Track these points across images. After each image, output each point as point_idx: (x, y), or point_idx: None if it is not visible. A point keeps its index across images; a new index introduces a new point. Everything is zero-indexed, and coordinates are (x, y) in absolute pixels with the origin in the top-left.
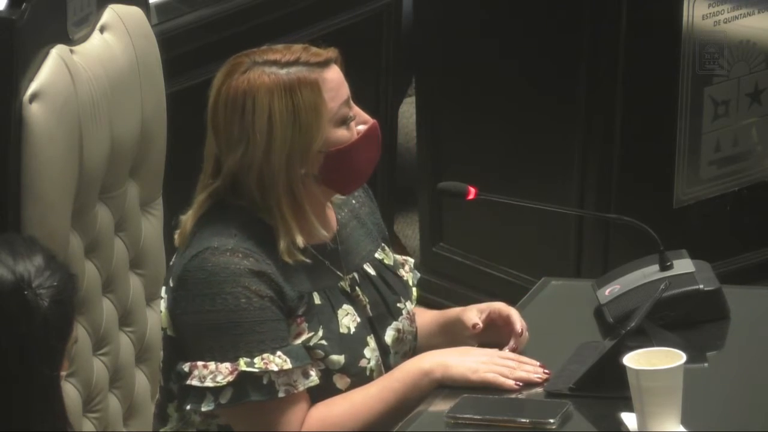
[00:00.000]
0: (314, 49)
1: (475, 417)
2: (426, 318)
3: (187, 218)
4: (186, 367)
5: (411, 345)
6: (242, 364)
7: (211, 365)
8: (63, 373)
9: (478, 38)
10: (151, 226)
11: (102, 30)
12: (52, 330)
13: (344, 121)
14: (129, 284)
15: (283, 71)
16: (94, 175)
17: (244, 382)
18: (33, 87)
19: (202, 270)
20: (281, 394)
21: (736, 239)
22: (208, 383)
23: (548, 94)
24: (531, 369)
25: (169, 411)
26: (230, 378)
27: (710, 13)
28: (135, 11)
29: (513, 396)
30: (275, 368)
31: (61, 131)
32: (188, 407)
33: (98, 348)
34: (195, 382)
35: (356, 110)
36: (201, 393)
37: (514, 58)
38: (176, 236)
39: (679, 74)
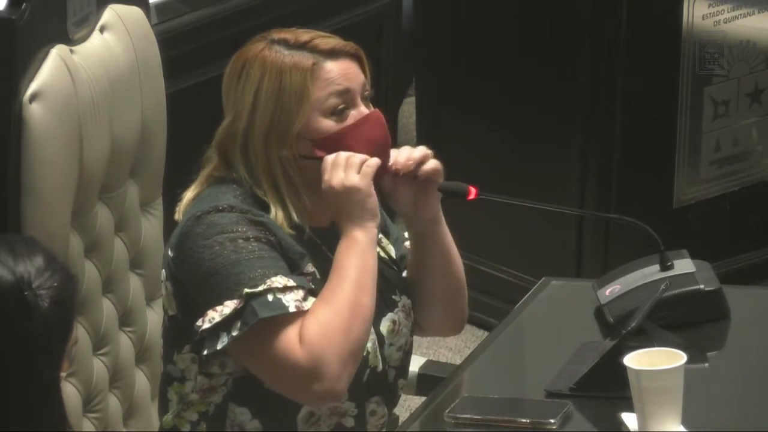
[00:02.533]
0: (330, 39)
1: (475, 417)
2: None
3: (189, 191)
4: (198, 322)
5: (407, 339)
6: (245, 291)
7: (219, 307)
8: (63, 374)
9: (478, 38)
10: (151, 226)
11: (102, 30)
12: (52, 331)
13: (333, 112)
14: (129, 284)
15: (286, 52)
16: (94, 175)
17: (250, 304)
18: (33, 87)
19: (200, 225)
20: (292, 309)
21: (736, 239)
22: (217, 319)
23: (548, 94)
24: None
25: (169, 395)
26: (237, 306)
27: (710, 13)
28: (135, 11)
29: (513, 396)
30: (279, 285)
31: (61, 131)
32: (205, 353)
33: (98, 348)
34: (206, 326)
35: (360, 108)
36: (214, 333)
37: (514, 58)
38: (177, 209)
39: (679, 74)
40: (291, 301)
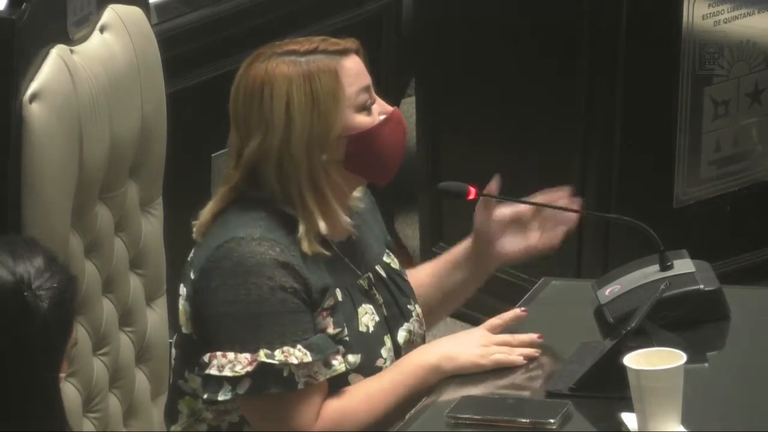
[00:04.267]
0: (333, 40)
1: (475, 417)
2: (425, 270)
3: (207, 210)
4: (206, 357)
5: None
6: (262, 355)
7: (231, 355)
8: (62, 375)
9: (478, 38)
10: (151, 226)
11: (102, 30)
12: (51, 331)
13: (364, 107)
14: (129, 284)
15: (303, 59)
16: (94, 174)
17: (263, 373)
18: (33, 87)
19: (228, 259)
20: (301, 386)
21: (736, 239)
22: (227, 372)
23: (548, 94)
24: (526, 339)
25: (179, 407)
26: (249, 368)
27: (710, 13)
28: (135, 11)
29: (513, 396)
30: (295, 361)
31: (61, 131)
32: (205, 396)
33: (98, 348)
34: (213, 371)
35: (379, 100)
36: (218, 382)
37: (513, 57)
38: (195, 228)
39: (679, 74)
40: (302, 377)
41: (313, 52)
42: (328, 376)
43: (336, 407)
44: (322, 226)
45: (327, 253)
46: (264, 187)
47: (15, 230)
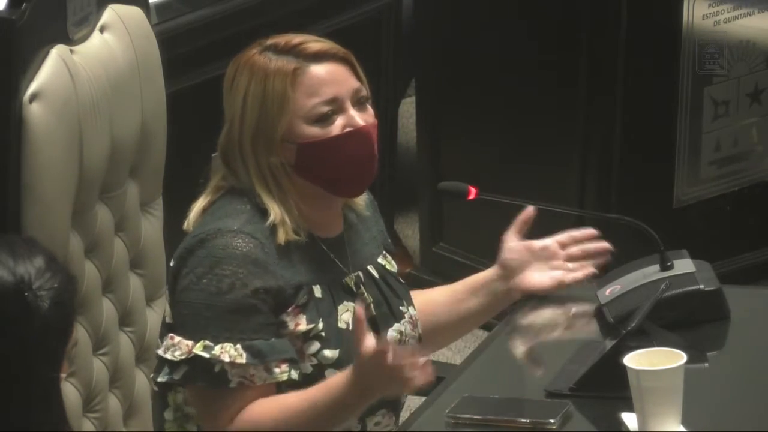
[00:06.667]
0: (315, 42)
1: (475, 417)
2: (442, 290)
3: (198, 202)
4: (164, 338)
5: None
6: (199, 347)
7: (176, 339)
8: (63, 375)
9: (479, 38)
10: (151, 226)
11: (102, 30)
12: (52, 332)
13: (321, 119)
14: (129, 284)
15: (274, 58)
16: (94, 175)
17: (196, 364)
18: (33, 87)
19: (202, 249)
20: (233, 385)
21: (736, 239)
22: (168, 355)
23: (548, 94)
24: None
25: (168, 400)
26: (184, 357)
27: (710, 13)
28: (135, 11)
29: (513, 396)
30: (227, 359)
31: (61, 131)
32: (151, 376)
33: (98, 348)
34: (160, 351)
35: (349, 113)
36: (162, 362)
37: (514, 58)
38: (186, 220)
39: (679, 74)
40: (236, 376)
41: (289, 51)
42: (267, 382)
43: (252, 413)
44: (281, 221)
45: (300, 238)
46: (239, 177)
47: (15, 230)
